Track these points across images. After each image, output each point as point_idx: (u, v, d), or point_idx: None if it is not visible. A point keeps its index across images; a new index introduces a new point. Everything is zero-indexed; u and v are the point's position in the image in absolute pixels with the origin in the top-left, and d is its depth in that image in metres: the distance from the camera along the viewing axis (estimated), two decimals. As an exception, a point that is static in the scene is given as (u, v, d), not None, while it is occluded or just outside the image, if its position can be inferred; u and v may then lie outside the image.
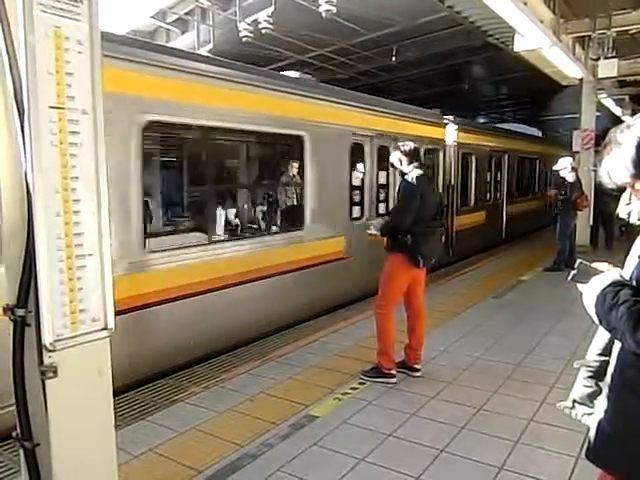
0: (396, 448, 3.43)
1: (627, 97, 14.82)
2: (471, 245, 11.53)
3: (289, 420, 3.79)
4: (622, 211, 1.72)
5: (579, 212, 9.72)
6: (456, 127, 10.62)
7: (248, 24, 9.92)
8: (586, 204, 9.77)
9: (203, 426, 3.72)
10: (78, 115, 1.79)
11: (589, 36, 10.07)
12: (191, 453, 3.35)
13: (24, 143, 1.68)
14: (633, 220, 1.74)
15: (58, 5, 1.70)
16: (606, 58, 9.97)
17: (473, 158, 11.67)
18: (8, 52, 1.66)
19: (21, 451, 1.89)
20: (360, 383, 4.44)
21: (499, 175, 13.73)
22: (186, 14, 11.41)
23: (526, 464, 3.20)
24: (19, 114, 1.68)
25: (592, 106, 11.95)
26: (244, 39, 10.14)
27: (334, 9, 8.66)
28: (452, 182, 10.58)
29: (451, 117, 10.72)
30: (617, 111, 15.96)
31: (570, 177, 9.30)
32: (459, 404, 4.05)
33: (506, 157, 13.83)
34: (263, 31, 9.72)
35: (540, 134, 19.12)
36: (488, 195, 13.03)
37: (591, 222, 11.77)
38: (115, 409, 2.07)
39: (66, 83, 1.74)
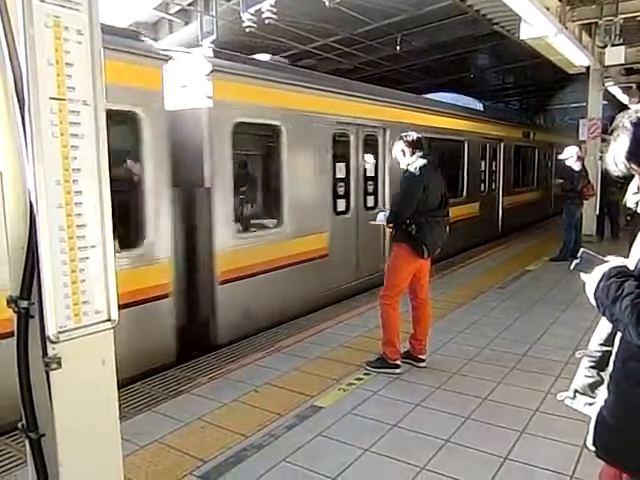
0: (401, 438, 3.44)
1: (634, 85, 14.65)
2: (261, 311, 5.90)
3: (294, 411, 3.81)
4: (630, 200, 1.70)
5: (585, 202, 9.65)
6: (209, 70, 5.14)
7: (251, 14, 9.86)
8: (592, 193, 9.70)
9: (208, 417, 3.74)
10: (79, 106, 1.77)
11: (596, 23, 9.97)
12: (196, 443, 3.37)
13: (25, 135, 1.67)
14: None
15: (57, -6, 1.69)
16: (613, 45, 9.86)
17: (284, 137, 6.16)
18: (8, 43, 1.65)
19: (27, 442, 1.89)
20: (365, 374, 4.45)
21: (371, 169, 8.15)
22: (189, 5, 11.36)
23: (531, 454, 3.20)
24: (19, 105, 1.67)
25: (599, 94, 11.83)
26: (247, 29, 10.08)
27: (338, -3, 8.60)
28: (206, 183, 5.28)
29: (207, 51, 5.71)
30: (624, 99, 15.80)
31: (576, 166, 9.24)
32: (464, 394, 4.05)
33: (387, 137, 8.07)
34: (266, 21, 9.66)
35: (481, 107, 13.01)
36: (344, 204, 7.51)
37: (597, 212, 11.69)
38: (120, 400, 2.07)
39: (66, 74, 1.72)
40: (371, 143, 8.03)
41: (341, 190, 7.41)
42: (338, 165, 7.31)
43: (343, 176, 7.43)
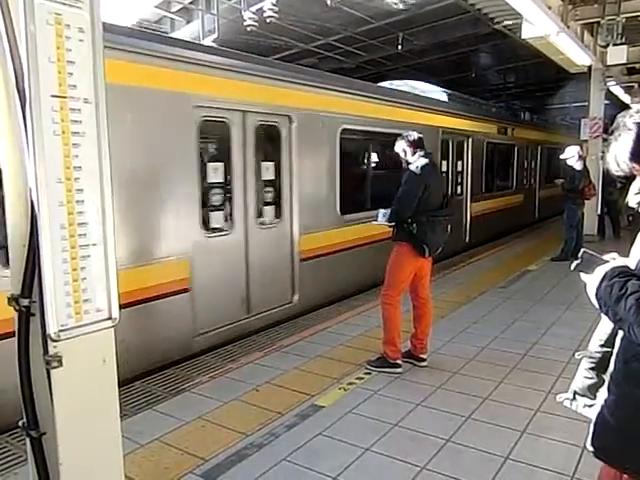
0: (402, 438, 3.43)
1: (636, 84, 14.63)
2: None
3: (295, 410, 3.80)
4: (632, 200, 1.69)
5: (586, 201, 9.64)
6: None
7: (253, 13, 9.87)
8: (593, 193, 9.69)
9: (209, 416, 3.73)
10: (80, 104, 1.78)
11: (598, 22, 9.95)
12: (197, 442, 3.37)
13: (26, 132, 1.67)
14: None
15: (58, -8, 1.68)
16: (615, 45, 9.85)
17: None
18: (9, 40, 1.65)
19: (27, 440, 1.90)
20: (366, 373, 4.44)
21: (269, 170, 6.10)
22: (190, 3, 11.38)
23: (532, 454, 3.20)
24: (21, 103, 1.67)
25: (601, 94, 11.82)
26: (249, 28, 10.09)
27: (339, -3, 8.60)
28: None
29: None
30: (626, 99, 15.79)
31: (577, 166, 9.22)
32: (465, 394, 4.04)
33: (294, 128, 6.22)
34: (268, 20, 9.67)
35: (445, 97, 11.13)
36: (222, 218, 5.60)
37: (599, 211, 11.68)
38: (121, 399, 2.07)
39: (68, 71, 1.72)
40: (270, 136, 6.08)
41: (217, 199, 5.44)
42: (211, 165, 5.36)
43: (220, 180, 5.44)
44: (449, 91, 11.80)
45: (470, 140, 10.82)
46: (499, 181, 12.97)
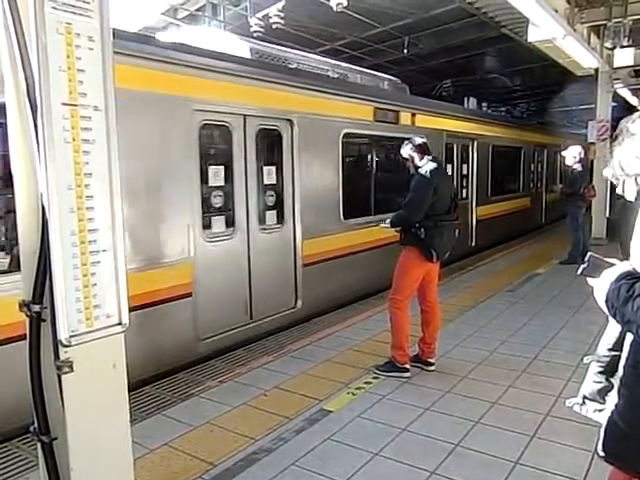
0: (410, 443, 3.42)
1: (644, 87, 14.56)
2: None
3: (303, 414, 3.80)
4: (629, 195, 1.67)
5: (593, 204, 9.55)
6: None
7: (259, 19, 9.91)
8: (593, 194, 9.58)
9: (218, 420, 3.74)
10: (90, 112, 1.80)
11: (604, 25, 9.91)
12: (206, 447, 3.37)
13: (37, 140, 1.69)
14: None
15: (69, 2, 1.71)
16: (622, 47, 9.81)
17: None
18: (20, 49, 1.67)
19: (39, 445, 1.91)
20: (374, 377, 4.44)
21: None
22: (197, 10, 11.44)
23: (542, 459, 3.17)
24: (32, 111, 1.69)
25: (608, 96, 11.77)
26: (255, 34, 10.13)
27: (345, 2, 8.61)
28: None
29: None
30: (633, 101, 15.72)
31: (577, 167, 9.15)
32: (474, 398, 4.02)
33: None
34: (274, 26, 9.70)
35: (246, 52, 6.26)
36: None
37: (607, 215, 11.60)
38: (131, 404, 2.08)
39: (78, 80, 1.74)
40: None
41: None
42: None
43: None
44: (264, 44, 7.42)
45: (293, 131, 6.08)
46: (385, 198, 7.81)
